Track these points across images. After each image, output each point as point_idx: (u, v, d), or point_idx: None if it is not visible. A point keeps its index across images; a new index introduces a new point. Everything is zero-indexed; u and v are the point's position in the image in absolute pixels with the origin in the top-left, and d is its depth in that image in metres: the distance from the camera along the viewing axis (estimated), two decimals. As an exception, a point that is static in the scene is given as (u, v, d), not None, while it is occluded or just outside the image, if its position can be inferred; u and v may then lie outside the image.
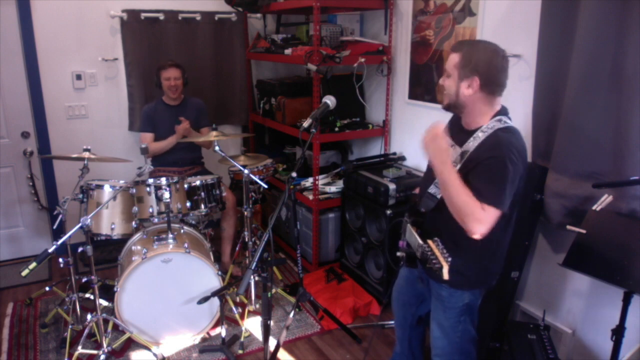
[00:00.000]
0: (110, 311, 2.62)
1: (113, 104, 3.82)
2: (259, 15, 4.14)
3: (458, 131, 1.77)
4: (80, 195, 2.68)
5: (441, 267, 1.46)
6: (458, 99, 1.69)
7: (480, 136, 1.65)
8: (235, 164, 2.88)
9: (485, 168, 1.59)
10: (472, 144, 1.66)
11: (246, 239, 3.11)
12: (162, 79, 3.32)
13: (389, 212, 2.86)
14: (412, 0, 3.10)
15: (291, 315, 2.74)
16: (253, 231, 3.23)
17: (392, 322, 2.70)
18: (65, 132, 3.69)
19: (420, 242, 1.59)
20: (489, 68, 1.63)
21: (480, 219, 1.53)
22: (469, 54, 1.64)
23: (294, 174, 1.91)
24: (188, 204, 2.86)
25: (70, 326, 2.71)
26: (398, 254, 1.88)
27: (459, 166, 1.65)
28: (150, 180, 2.71)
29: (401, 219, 1.90)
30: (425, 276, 1.92)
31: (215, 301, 2.68)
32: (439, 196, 1.70)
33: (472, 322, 1.88)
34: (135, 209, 2.68)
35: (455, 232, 1.62)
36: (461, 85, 1.66)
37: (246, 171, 2.82)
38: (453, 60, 1.68)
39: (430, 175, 1.81)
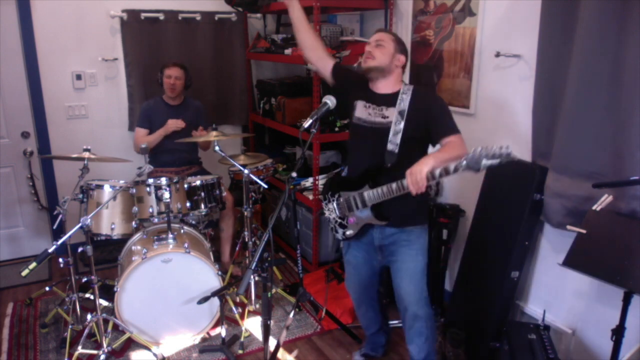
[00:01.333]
0: (110, 311, 2.62)
1: (113, 104, 3.82)
2: (259, 15, 4.14)
3: (372, 95, 2.13)
4: (80, 195, 2.68)
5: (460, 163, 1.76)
6: (389, 65, 2.06)
7: (405, 96, 2.05)
8: (235, 163, 2.88)
9: (440, 111, 2.02)
10: (403, 103, 2.03)
11: (246, 239, 3.11)
12: (164, 76, 3.33)
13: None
14: (412, 0, 3.10)
15: (291, 315, 2.74)
16: (253, 231, 3.23)
17: (394, 322, 2.70)
18: (65, 132, 3.69)
19: (402, 183, 1.91)
20: (408, 55, 2.17)
21: (465, 146, 1.94)
22: (399, 38, 2.12)
23: (294, 174, 1.91)
24: (188, 204, 2.86)
25: (70, 326, 2.71)
26: (348, 232, 2.19)
27: (403, 122, 2.00)
28: (150, 180, 2.71)
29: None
30: (383, 241, 2.16)
31: (215, 301, 2.68)
32: (396, 151, 2.01)
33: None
34: (135, 209, 2.68)
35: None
36: (396, 56, 2.07)
37: (246, 171, 2.82)
38: (387, 36, 2.09)
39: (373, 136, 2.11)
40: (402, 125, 2.00)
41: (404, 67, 2.13)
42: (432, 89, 2.16)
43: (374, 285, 2.40)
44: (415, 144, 2.04)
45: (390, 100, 2.07)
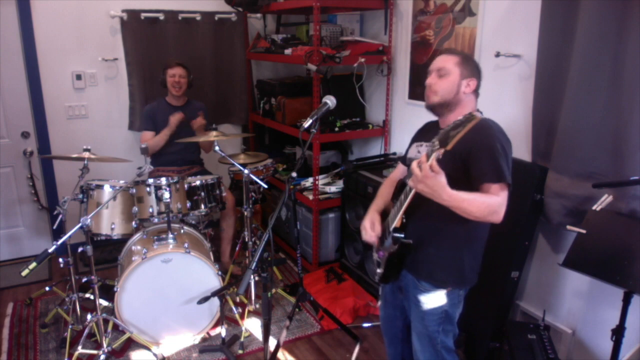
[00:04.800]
0: (110, 311, 2.62)
1: (113, 104, 3.82)
2: (259, 15, 4.14)
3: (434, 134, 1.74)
4: (80, 195, 2.68)
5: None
6: (456, 96, 1.72)
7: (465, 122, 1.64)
8: (235, 163, 2.88)
9: (484, 151, 1.60)
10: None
11: (246, 239, 3.11)
12: (168, 76, 3.33)
13: (389, 212, 2.86)
14: (412, 0, 3.10)
15: (291, 315, 2.74)
16: (253, 231, 3.23)
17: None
18: (65, 132, 3.69)
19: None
20: (480, 74, 1.75)
21: (499, 206, 1.56)
22: (467, 57, 1.75)
23: (294, 174, 1.91)
24: (188, 204, 2.86)
25: (70, 326, 2.71)
26: (378, 271, 1.88)
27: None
28: (150, 180, 2.71)
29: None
30: (404, 283, 1.87)
31: (215, 301, 2.68)
32: None
33: (451, 334, 1.84)
34: (135, 209, 2.68)
35: (439, 219, 1.65)
36: (462, 83, 1.71)
37: (246, 171, 2.82)
38: (452, 59, 1.73)
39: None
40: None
41: (477, 91, 1.75)
42: (486, 121, 1.65)
43: (399, 319, 2.03)
44: (451, 181, 1.52)
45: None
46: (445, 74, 1.72)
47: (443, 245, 1.75)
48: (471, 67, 1.73)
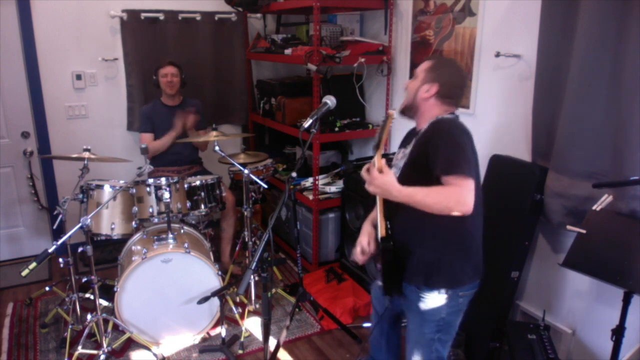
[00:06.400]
0: (110, 311, 2.62)
1: (113, 104, 3.82)
2: (259, 15, 4.14)
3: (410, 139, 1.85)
4: (80, 195, 2.68)
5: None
6: (415, 100, 1.79)
7: (425, 128, 1.76)
8: (235, 163, 2.88)
9: (438, 143, 1.63)
10: (419, 134, 1.77)
11: (246, 239, 3.11)
12: (160, 76, 3.33)
13: (389, 212, 2.85)
14: (412, 0, 3.10)
15: (291, 315, 2.74)
16: (253, 231, 3.23)
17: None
18: (65, 132, 3.69)
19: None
20: (450, 81, 1.77)
21: (461, 197, 1.52)
22: (438, 64, 1.80)
23: (294, 174, 1.91)
24: (188, 204, 2.86)
25: (70, 326, 2.71)
26: (379, 283, 1.88)
27: (409, 149, 1.77)
28: (150, 180, 2.71)
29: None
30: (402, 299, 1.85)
31: (215, 301, 2.68)
32: (397, 176, 1.70)
33: (448, 345, 1.83)
34: (135, 209, 2.68)
35: (416, 220, 1.67)
36: (422, 88, 1.77)
37: (246, 171, 2.82)
38: (425, 65, 1.81)
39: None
40: (408, 152, 1.79)
41: (444, 96, 1.76)
42: (448, 119, 1.74)
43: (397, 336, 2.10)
44: (416, 176, 1.66)
45: (414, 136, 1.82)
46: (415, 77, 1.82)
47: (426, 246, 1.73)
48: (438, 73, 1.75)
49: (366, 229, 1.93)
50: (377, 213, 1.76)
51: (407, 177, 1.67)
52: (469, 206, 1.52)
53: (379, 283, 1.86)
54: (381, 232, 1.74)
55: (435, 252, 1.73)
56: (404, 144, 1.92)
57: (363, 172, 1.63)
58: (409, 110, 1.83)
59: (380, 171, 1.54)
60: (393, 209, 1.71)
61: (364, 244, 1.87)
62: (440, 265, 1.73)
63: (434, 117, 1.75)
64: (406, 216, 1.68)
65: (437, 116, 1.75)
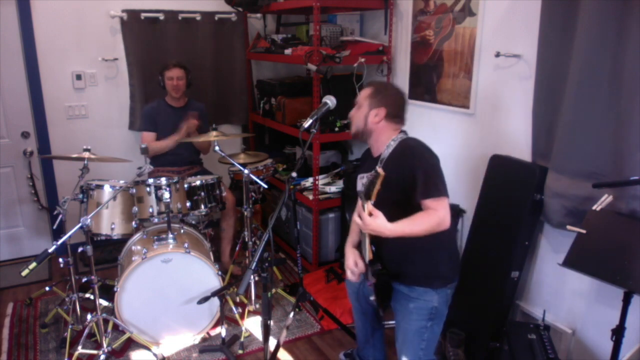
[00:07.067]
0: (110, 311, 2.62)
1: (113, 103, 3.82)
2: (259, 15, 4.14)
3: (370, 162, 1.98)
4: (80, 195, 2.68)
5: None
6: (366, 126, 1.92)
7: (387, 150, 1.89)
8: (235, 163, 2.88)
9: (413, 167, 1.78)
10: (384, 157, 1.88)
11: (246, 239, 3.11)
12: (166, 78, 3.32)
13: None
14: (412, 0, 3.10)
15: (291, 315, 2.74)
16: (253, 231, 3.23)
17: (393, 322, 2.70)
18: (65, 132, 3.69)
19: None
20: (395, 101, 1.93)
21: (441, 219, 1.73)
22: (379, 89, 1.94)
23: (294, 174, 1.91)
24: (188, 204, 2.86)
25: (70, 326, 2.71)
26: (371, 298, 1.94)
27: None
28: (150, 180, 2.71)
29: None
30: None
31: (215, 301, 2.68)
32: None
33: (436, 336, 1.95)
34: (135, 209, 2.68)
35: (412, 240, 1.75)
36: (370, 114, 1.90)
37: (246, 171, 2.82)
38: (365, 92, 1.94)
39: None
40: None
41: (392, 117, 1.91)
42: (415, 141, 1.88)
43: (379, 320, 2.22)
44: (391, 199, 1.78)
45: (376, 162, 1.92)
46: (359, 106, 1.95)
47: (415, 260, 1.88)
48: (381, 97, 1.90)
49: (349, 252, 2.04)
50: (366, 240, 1.83)
51: (384, 202, 1.70)
52: (448, 222, 1.74)
53: (372, 298, 1.94)
54: (369, 255, 1.83)
55: (426, 265, 1.89)
56: (365, 169, 2.01)
57: (355, 219, 1.74)
58: (361, 136, 1.97)
59: (370, 214, 1.66)
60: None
61: (352, 267, 1.98)
62: (431, 273, 1.90)
63: (389, 139, 1.91)
64: (392, 239, 1.76)
65: (392, 138, 1.90)
